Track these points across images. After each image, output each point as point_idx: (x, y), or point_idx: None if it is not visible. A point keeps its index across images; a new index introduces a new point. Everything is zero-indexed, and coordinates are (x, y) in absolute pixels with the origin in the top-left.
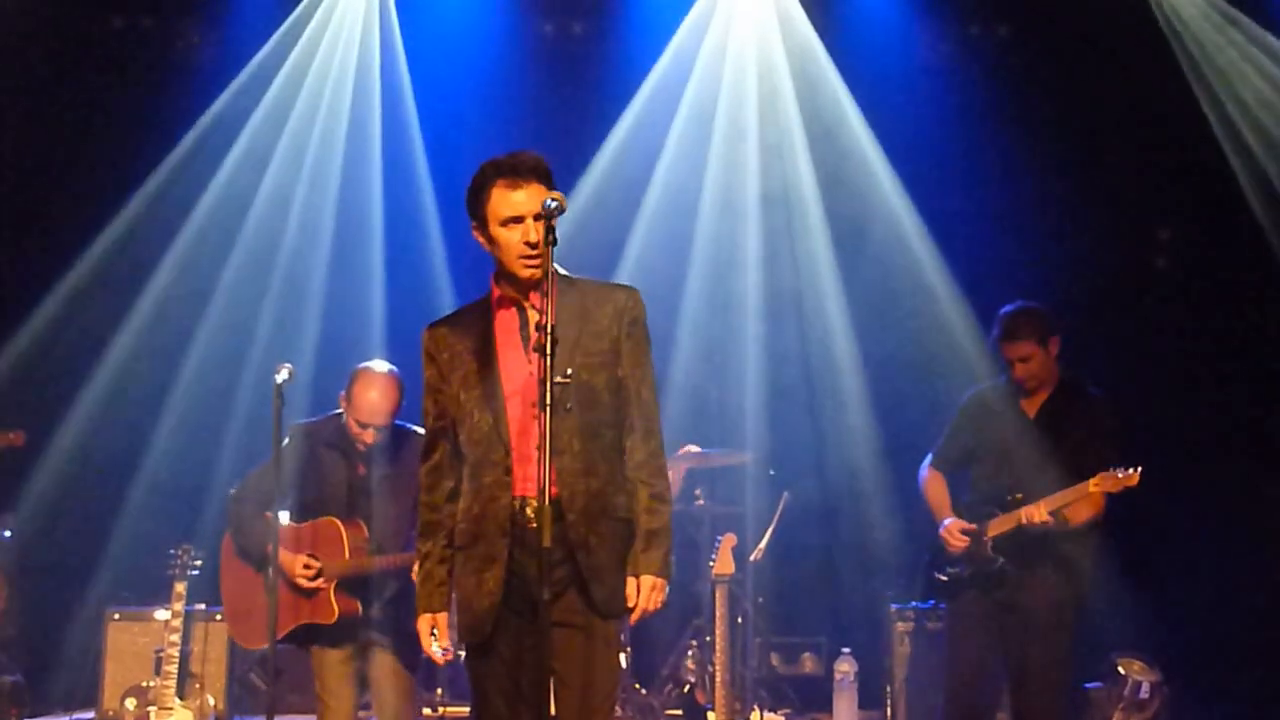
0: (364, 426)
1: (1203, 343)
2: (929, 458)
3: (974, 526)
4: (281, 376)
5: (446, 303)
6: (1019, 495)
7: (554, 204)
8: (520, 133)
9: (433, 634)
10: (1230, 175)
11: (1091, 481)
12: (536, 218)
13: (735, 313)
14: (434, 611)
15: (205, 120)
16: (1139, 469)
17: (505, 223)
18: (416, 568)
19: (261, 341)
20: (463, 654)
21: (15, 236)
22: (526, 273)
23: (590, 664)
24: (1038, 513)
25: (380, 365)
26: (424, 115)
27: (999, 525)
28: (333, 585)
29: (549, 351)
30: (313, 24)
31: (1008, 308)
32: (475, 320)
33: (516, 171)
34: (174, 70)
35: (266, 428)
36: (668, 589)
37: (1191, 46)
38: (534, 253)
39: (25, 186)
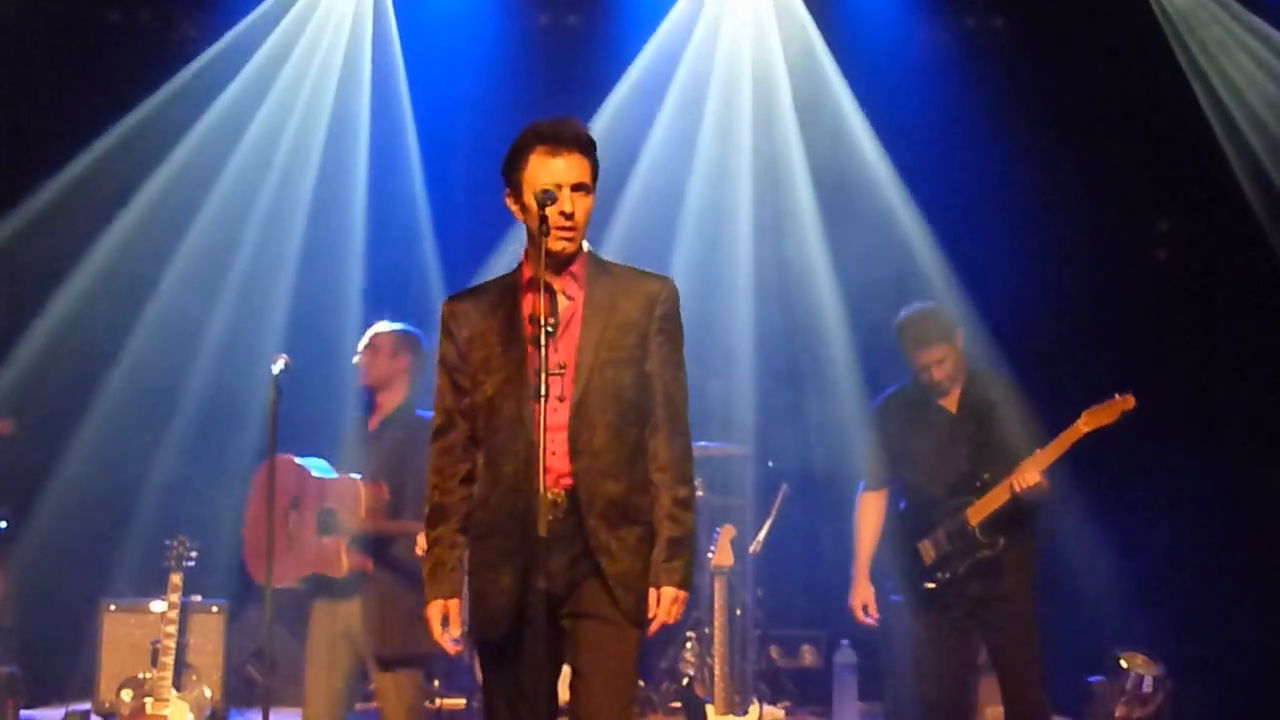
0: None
1: (1203, 334)
2: (861, 485)
3: (873, 608)
4: (278, 368)
5: (438, 293)
6: (986, 476)
7: (550, 195)
8: (514, 125)
9: (444, 623)
10: (1230, 166)
11: (1081, 421)
12: (574, 188)
13: (731, 302)
14: (445, 598)
15: (203, 113)
16: (1130, 392)
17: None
18: (423, 552)
19: (261, 334)
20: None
21: (13, 230)
22: (558, 245)
23: (609, 657)
24: (1030, 475)
25: (385, 325)
26: (418, 107)
27: (982, 509)
28: (344, 540)
29: (544, 343)
30: (306, 17)
31: (907, 314)
32: (501, 299)
33: (558, 139)
34: (172, 63)
35: (265, 419)
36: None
37: (1188, 35)
38: (568, 223)
39: (22, 180)
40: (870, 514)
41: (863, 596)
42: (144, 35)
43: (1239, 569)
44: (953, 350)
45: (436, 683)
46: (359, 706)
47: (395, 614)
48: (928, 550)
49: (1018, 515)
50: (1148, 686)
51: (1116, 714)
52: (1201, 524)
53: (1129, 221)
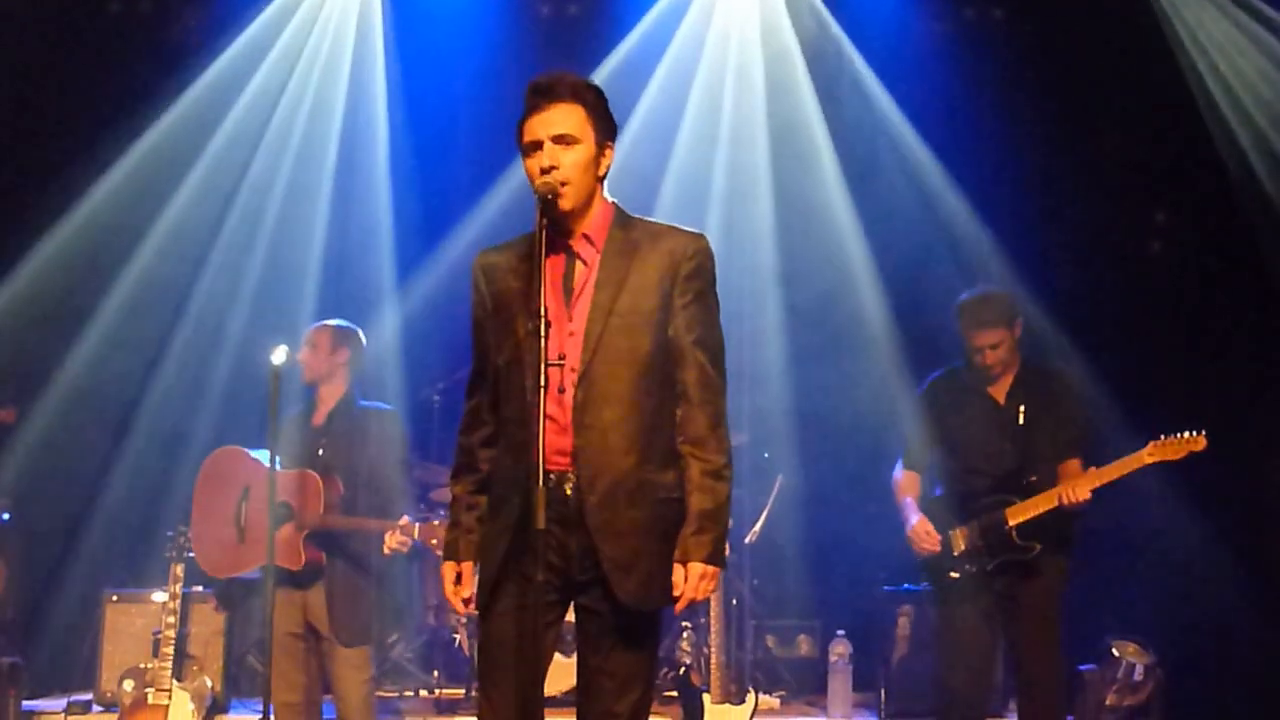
0: (304, 381)
1: (1199, 326)
2: (900, 462)
3: (934, 533)
4: (278, 358)
5: (443, 287)
6: (1033, 478)
7: (547, 189)
8: (515, 116)
9: (456, 583)
10: (1226, 157)
11: (1146, 451)
12: (556, 140)
13: (733, 294)
14: (458, 560)
15: (201, 105)
16: (1204, 432)
17: (526, 150)
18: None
19: (260, 324)
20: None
21: (8, 217)
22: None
23: (616, 655)
24: (1082, 492)
25: (323, 322)
26: (418, 97)
27: (1023, 511)
28: (303, 534)
29: (543, 334)
30: (307, 6)
31: (969, 295)
32: (525, 257)
33: (541, 93)
34: (172, 54)
35: (264, 408)
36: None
37: (1183, 27)
38: (548, 179)
39: (19, 170)
40: (909, 486)
41: (923, 526)
42: (144, 25)
43: (1232, 557)
44: (1009, 337)
45: (436, 674)
46: None
47: (354, 606)
48: (959, 539)
49: (1057, 522)
50: (1139, 675)
51: (1108, 702)
52: (1195, 512)
53: (1125, 213)
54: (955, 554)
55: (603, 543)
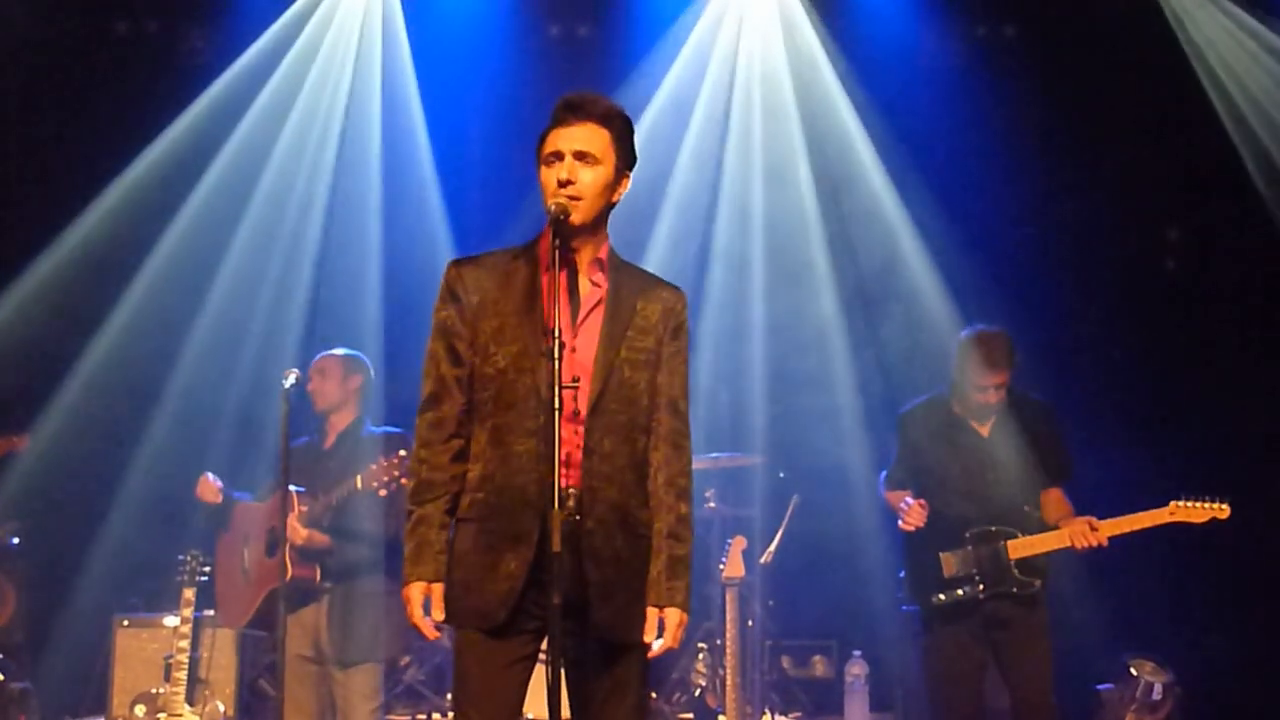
0: (317, 410)
1: (1214, 344)
2: (884, 479)
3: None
4: (288, 382)
5: None
6: (1037, 515)
7: (557, 209)
8: (527, 137)
9: (425, 605)
10: (1241, 175)
11: (1168, 510)
12: (577, 156)
13: (746, 315)
14: (428, 580)
15: (209, 124)
16: (1227, 503)
17: (545, 160)
18: (408, 531)
19: (267, 346)
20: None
21: (17, 238)
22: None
23: (603, 673)
24: (1096, 537)
25: (331, 351)
26: (429, 118)
27: (1027, 548)
28: (286, 548)
29: (556, 356)
30: (317, 27)
31: (979, 333)
32: (518, 269)
33: (571, 107)
34: (179, 75)
35: (274, 432)
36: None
37: (1199, 44)
38: (564, 192)
39: (26, 190)
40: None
41: (918, 503)
42: (151, 47)
43: (1249, 577)
44: (1010, 377)
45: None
46: None
47: (348, 625)
48: (949, 562)
49: (1052, 556)
50: (1157, 694)
51: None
52: (1211, 532)
53: (1139, 230)
54: (945, 576)
55: (591, 568)
